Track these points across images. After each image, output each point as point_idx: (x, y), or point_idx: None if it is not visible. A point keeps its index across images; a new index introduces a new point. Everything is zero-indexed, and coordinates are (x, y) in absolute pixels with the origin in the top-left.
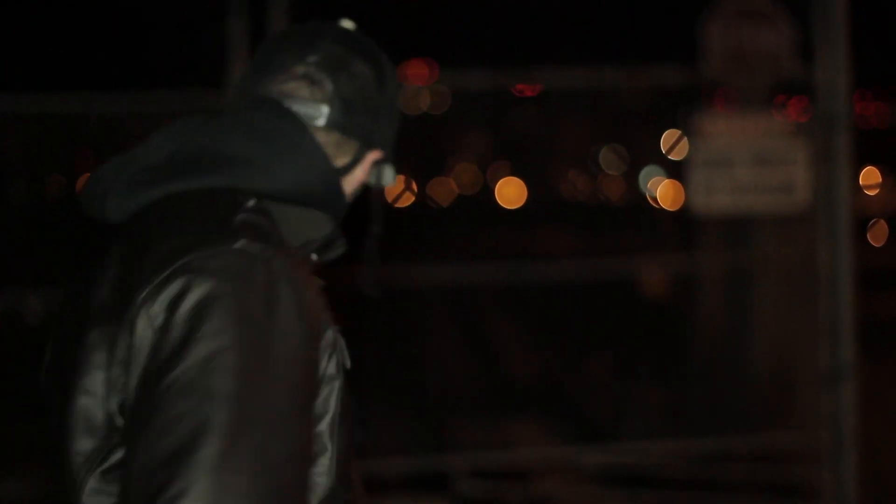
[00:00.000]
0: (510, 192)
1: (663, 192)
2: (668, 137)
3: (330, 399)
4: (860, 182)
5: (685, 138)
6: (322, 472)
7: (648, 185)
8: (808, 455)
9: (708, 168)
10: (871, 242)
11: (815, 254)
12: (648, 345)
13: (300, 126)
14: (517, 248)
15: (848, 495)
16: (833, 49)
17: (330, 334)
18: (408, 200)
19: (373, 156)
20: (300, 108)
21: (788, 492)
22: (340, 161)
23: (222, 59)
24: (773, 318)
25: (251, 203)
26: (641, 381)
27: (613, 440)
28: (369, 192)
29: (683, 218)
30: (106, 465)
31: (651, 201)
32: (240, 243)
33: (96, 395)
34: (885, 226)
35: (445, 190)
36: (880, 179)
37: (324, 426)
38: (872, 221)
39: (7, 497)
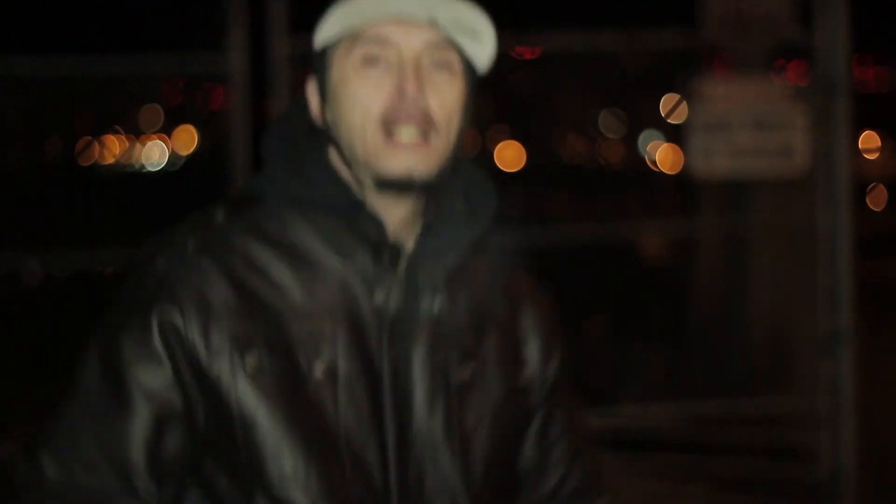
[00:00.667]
0: (509, 155)
1: (662, 155)
2: (667, 101)
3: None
4: (859, 146)
5: (684, 102)
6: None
7: (648, 149)
8: (806, 419)
9: (707, 132)
10: (871, 207)
11: (813, 218)
12: (647, 309)
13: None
14: (515, 211)
15: (846, 459)
16: (832, 13)
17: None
18: None
19: None
20: None
21: (786, 456)
22: None
23: (221, 21)
24: (771, 283)
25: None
26: (640, 344)
27: (612, 404)
28: None
29: (682, 182)
30: None
31: (650, 165)
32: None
33: None
34: (885, 190)
35: None
36: (879, 143)
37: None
38: (871, 186)
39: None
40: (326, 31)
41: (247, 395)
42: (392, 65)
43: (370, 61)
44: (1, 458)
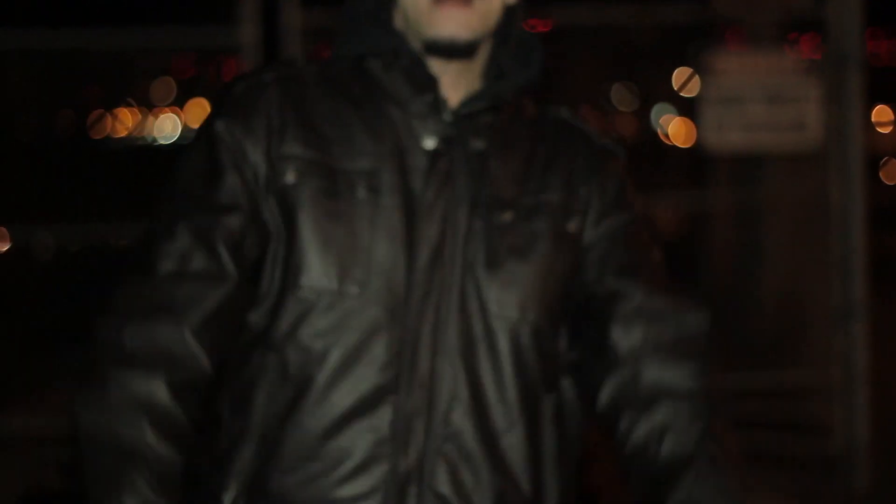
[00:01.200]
0: None
1: (675, 129)
2: (679, 75)
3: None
4: (872, 120)
5: (697, 76)
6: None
7: (660, 123)
8: (819, 392)
9: (719, 105)
10: (883, 180)
11: (826, 191)
12: None
13: None
14: None
15: (859, 432)
16: None
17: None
18: None
19: None
20: None
21: (799, 428)
22: None
23: None
24: (784, 256)
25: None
26: None
27: None
28: None
29: (695, 155)
30: None
31: (663, 138)
32: None
33: None
34: None
35: None
36: (893, 117)
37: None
38: (884, 159)
39: (15, 430)
40: None
41: (291, 204)
42: None
43: None
44: (13, 430)
